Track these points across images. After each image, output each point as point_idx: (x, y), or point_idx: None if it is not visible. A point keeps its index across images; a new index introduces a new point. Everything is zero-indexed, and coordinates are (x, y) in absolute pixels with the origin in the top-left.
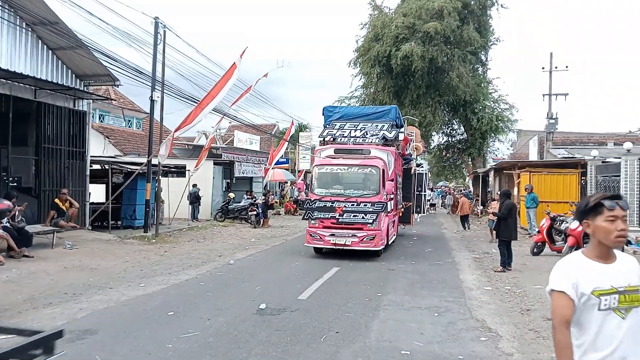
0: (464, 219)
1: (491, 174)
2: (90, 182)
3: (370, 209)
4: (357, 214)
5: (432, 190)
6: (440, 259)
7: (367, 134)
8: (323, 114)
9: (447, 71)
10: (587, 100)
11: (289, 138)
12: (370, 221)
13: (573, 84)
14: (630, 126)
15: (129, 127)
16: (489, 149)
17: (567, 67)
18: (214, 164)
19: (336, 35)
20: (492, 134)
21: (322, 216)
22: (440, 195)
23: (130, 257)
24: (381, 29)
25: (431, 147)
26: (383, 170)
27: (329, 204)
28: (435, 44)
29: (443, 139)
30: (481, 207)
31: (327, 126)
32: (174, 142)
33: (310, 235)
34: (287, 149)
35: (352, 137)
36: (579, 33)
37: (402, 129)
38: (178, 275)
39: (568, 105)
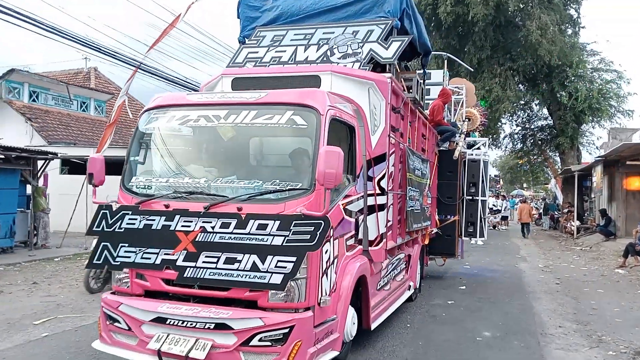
0: (524, 227)
1: (597, 171)
2: None
3: (279, 239)
4: (238, 254)
5: (504, 198)
6: None
7: (333, 52)
8: (239, 16)
9: (524, 22)
10: None
11: None
12: (278, 281)
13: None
14: None
15: (84, 110)
16: (585, 140)
17: None
18: None
19: None
20: (592, 117)
21: (137, 261)
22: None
23: None
24: None
25: (501, 137)
26: (330, 120)
27: (158, 222)
28: None
29: (516, 128)
30: (578, 223)
31: (248, 40)
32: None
33: (110, 318)
34: None
35: (303, 61)
36: None
37: (423, 56)
38: None
39: None
